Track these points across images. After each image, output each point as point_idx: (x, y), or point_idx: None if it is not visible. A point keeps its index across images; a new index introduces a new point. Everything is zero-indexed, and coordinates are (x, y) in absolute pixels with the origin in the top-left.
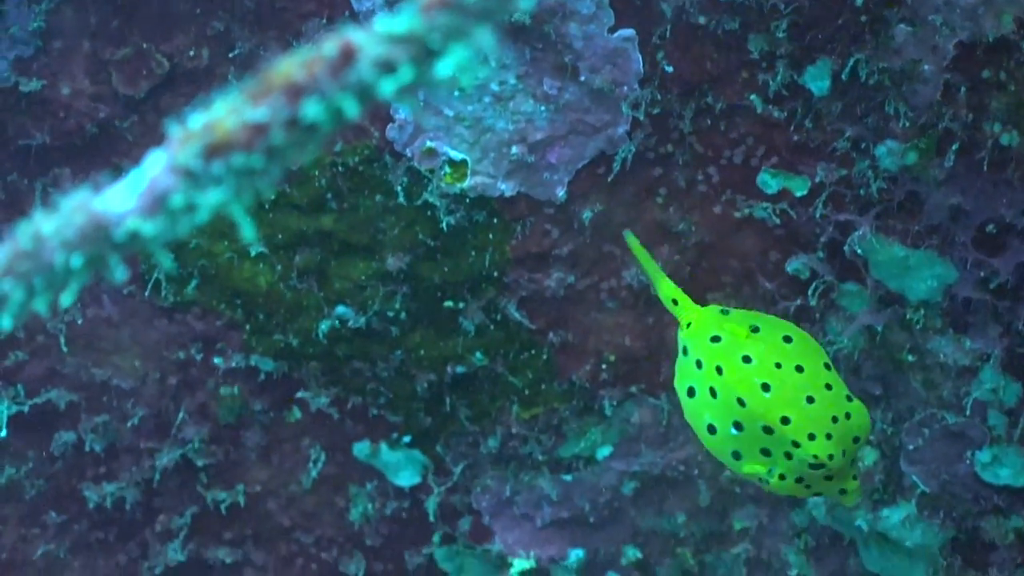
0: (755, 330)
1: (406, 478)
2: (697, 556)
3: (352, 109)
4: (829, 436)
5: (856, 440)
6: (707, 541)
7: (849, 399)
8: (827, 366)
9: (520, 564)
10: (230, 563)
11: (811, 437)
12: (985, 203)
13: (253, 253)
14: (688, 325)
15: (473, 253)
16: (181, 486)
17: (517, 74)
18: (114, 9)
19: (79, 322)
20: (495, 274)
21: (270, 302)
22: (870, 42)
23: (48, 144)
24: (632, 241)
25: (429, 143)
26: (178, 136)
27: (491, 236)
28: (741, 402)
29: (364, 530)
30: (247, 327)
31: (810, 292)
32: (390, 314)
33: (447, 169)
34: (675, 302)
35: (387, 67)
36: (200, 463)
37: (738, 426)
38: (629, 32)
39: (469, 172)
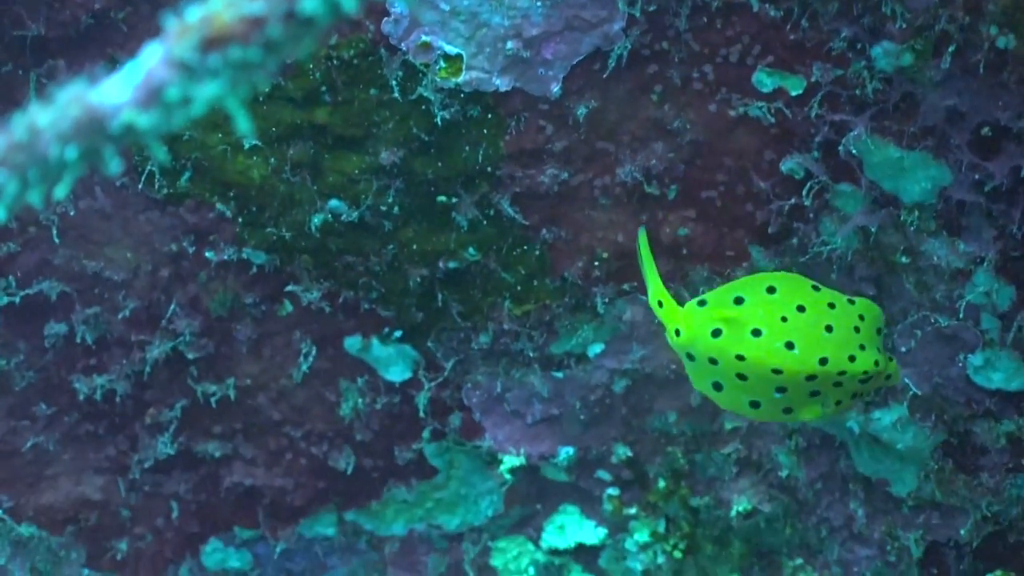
0: (739, 301)
1: (397, 373)
2: (687, 455)
3: (350, 2)
4: (862, 347)
5: (879, 331)
6: (697, 440)
7: (852, 302)
8: (815, 287)
9: (510, 461)
10: (219, 457)
11: (851, 359)
12: (981, 106)
13: (247, 146)
14: (677, 333)
15: (467, 148)
16: (171, 379)
17: None
18: None
19: (71, 213)
20: (488, 169)
21: (263, 195)
22: None
23: (43, 35)
24: (642, 239)
25: (424, 37)
26: (175, 29)
27: (485, 131)
28: (777, 371)
29: (354, 425)
30: (240, 220)
31: (804, 192)
32: (383, 208)
33: (442, 64)
34: (660, 304)
35: None
36: (191, 356)
37: (781, 390)
38: None
39: (464, 67)
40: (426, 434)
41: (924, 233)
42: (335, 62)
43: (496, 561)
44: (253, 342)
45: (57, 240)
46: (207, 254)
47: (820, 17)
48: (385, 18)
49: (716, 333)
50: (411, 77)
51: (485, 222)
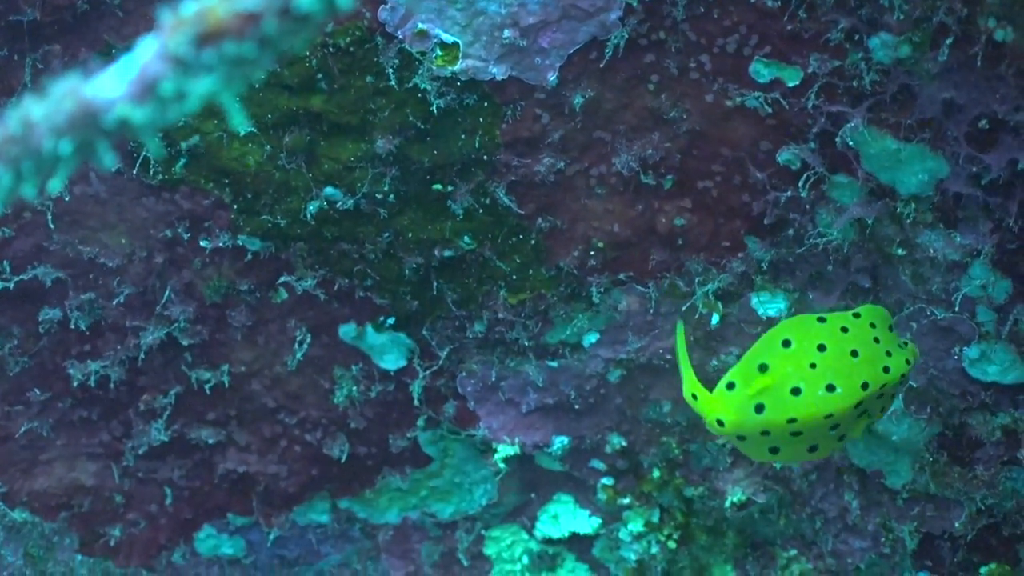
0: (764, 368)
1: (391, 361)
2: (682, 445)
3: None
4: (889, 353)
5: (891, 327)
6: (692, 430)
7: (857, 315)
8: (821, 319)
9: (504, 450)
10: (213, 443)
11: (886, 370)
12: (978, 98)
13: (242, 132)
14: (720, 423)
15: (463, 136)
16: (165, 365)
17: None
18: None
19: (67, 199)
20: (485, 158)
21: (258, 182)
22: None
23: (39, 20)
24: (680, 332)
25: (421, 25)
26: (170, 23)
27: (481, 120)
28: (829, 416)
29: (348, 412)
30: (235, 207)
31: (800, 183)
32: (378, 196)
33: (438, 51)
34: (695, 396)
35: None
36: (185, 342)
37: (835, 427)
38: None
39: (460, 55)
40: (420, 422)
41: (920, 225)
42: (331, 49)
43: (490, 550)
44: (248, 329)
45: (52, 225)
46: (202, 241)
47: (818, 7)
48: (381, 5)
49: (760, 408)
50: (407, 65)
51: (481, 211)
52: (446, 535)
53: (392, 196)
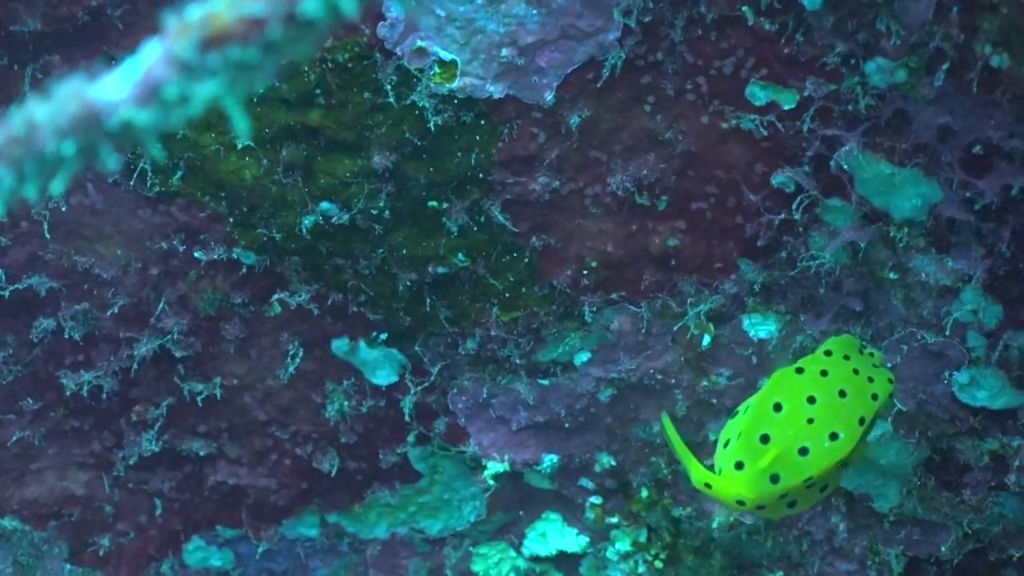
0: (766, 439)
1: (383, 376)
2: (671, 465)
3: (349, 5)
4: (871, 379)
5: (861, 350)
6: None
7: (828, 353)
8: (799, 371)
9: (494, 467)
10: (204, 456)
11: (874, 397)
12: (973, 124)
13: (240, 146)
14: (741, 503)
15: (459, 154)
16: (158, 377)
17: None
18: None
19: (63, 209)
20: (480, 176)
21: (255, 196)
22: None
23: (40, 31)
24: (667, 424)
25: (420, 42)
26: (175, 27)
27: (478, 138)
28: (842, 462)
29: (339, 427)
30: (231, 220)
31: (794, 206)
32: (374, 212)
33: (437, 69)
34: (708, 485)
35: None
36: (178, 354)
37: (844, 464)
38: None
39: (458, 73)
40: (411, 438)
41: (913, 250)
42: (330, 65)
43: (477, 567)
44: (241, 342)
45: (48, 235)
46: (197, 253)
47: (815, 31)
48: (381, 22)
49: (775, 479)
50: (405, 81)
51: (475, 228)
52: (434, 551)
53: (387, 212)
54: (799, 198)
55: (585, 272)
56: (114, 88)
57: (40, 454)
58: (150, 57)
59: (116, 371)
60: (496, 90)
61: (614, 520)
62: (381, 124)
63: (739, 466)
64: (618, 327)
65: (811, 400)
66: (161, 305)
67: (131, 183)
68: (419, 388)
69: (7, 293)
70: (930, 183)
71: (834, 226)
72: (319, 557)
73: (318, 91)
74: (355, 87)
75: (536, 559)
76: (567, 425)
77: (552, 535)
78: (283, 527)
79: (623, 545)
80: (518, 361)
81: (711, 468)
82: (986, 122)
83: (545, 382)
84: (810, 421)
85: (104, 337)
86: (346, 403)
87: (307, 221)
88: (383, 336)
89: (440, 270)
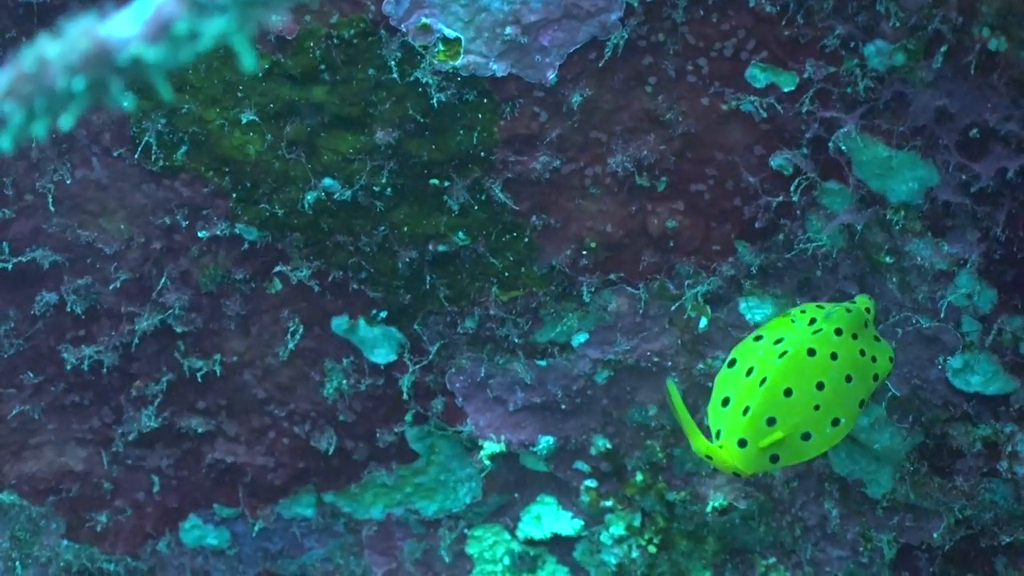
0: (772, 422)
1: (382, 355)
2: (666, 449)
3: None
4: (874, 359)
5: (866, 325)
6: (676, 434)
7: (839, 332)
8: (812, 352)
9: (490, 447)
10: (202, 432)
11: (875, 378)
12: (970, 107)
13: (244, 120)
14: (738, 475)
15: (461, 132)
16: (158, 352)
17: None
18: None
19: (68, 182)
20: (482, 154)
21: (258, 171)
22: None
23: (47, 2)
24: (672, 391)
25: (424, 19)
26: None
27: (480, 116)
28: (836, 442)
29: (337, 406)
30: (234, 195)
31: (792, 188)
32: (376, 189)
33: (440, 47)
34: (709, 457)
35: None
36: (179, 330)
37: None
38: None
39: (462, 51)
40: (408, 417)
41: (909, 233)
42: (335, 41)
43: (472, 549)
44: (241, 319)
45: (52, 208)
46: (200, 232)
47: (815, 13)
48: None
49: (775, 458)
50: (409, 58)
51: (476, 207)
52: (429, 533)
53: (389, 189)
54: (797, 180)
55: (584, 252)
56: (125, 25)
57: (39, 429)
58: None
59: (117, 346)
60: (499, 68)
61: (608, 504)
62: (384, 101)
63: (742, 443)
64: (616, 308)
65: (820, 386)
66: (163, 280)
67: (135, 157)
68: (417, 367)
69: (10, 266)
70: (927, 166)
71: (831, 209)
72: (315, 537)
73: (323, 67)
74: (359, 63)
75: (531, 542)
76: (563, 407)
77: (547, 518)
78: (279, 506)
79: (617, 529)
80: (516, 340)
81: (708, 432)
82: (983, 105)
83: (543, 363)
84: (817, 408)
85: (106, 312)
86: (344, 382)
87: (309, 197)
88: (383, 314)
89: (440, 248)
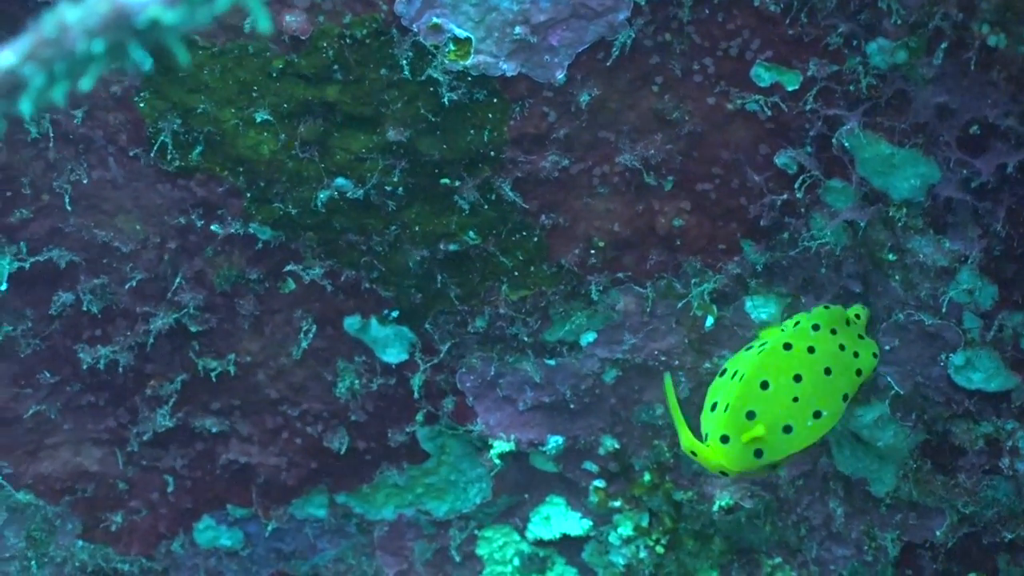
0: (752, 415)
1: (394, 355)
2: (673, 448)
3: None
4: (856, 354)
5: (848, 322)
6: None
7: (816, 327)
8: (787, 346)
9: (500, 446)
10: (216, 432)
11: (859, 373)
12: (970, 103)
13: (258, 120)
14: (724, 473)
15: (472, 131)
16: (173, 352)
17: None
18: None
19: (84, 182)
20: (492, 153)
21: (272, 170)
22: None
23: None
24: (669, 388)
25: (435, 19)
26: None
27: (490, 115)
28: (825, 440)
29: (350, 405)
30: (248, 195)
31: (796, 186)
32: (388, 188)
33: (451, 46)
34: (694, 453)
35: None
36: (194, 329)
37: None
38: None
39: (472, 50)
40: (420, 417)
41: (911, 231)
42: (348, 40)
43: (482, 550)
44: (255, 318)
45: (69, 208)
46: (214, 228)
47: (818, 12)
48: None
49: (759, 453)
50: (421, 58)
51: (486, 206)
52: (439, 533)
53: (401, 189)
54: (801, 178)
55: (592, 251)
56: None
57: (55, 429)
58: None
59: (132, 346)
60: (509, 68)
61: (617, 504)
62: (396, 100)
63: (724, 439)
64: (623, 307)
65: (797, 378)
66: (178, 280)
67: (151, 157)
68: (428, 366)
69: (27, 265)
70: (929, 163)
71: (835, 207)
72: (327, 538)
73: (336, 67)
74: (372, 63)
75: (540, 543)
76: (572, 406)
77: (556, 518)
78: (292, 507)
79: (625, 529)
80: (526, 339)
81: (699, 433)
82: (983, 101)
83: (552, 362)
84: (795, 400)
85: (121, 312)
86: (356, 381)
87: (322, 196)
88: (394, 314)
89: (451, 247)
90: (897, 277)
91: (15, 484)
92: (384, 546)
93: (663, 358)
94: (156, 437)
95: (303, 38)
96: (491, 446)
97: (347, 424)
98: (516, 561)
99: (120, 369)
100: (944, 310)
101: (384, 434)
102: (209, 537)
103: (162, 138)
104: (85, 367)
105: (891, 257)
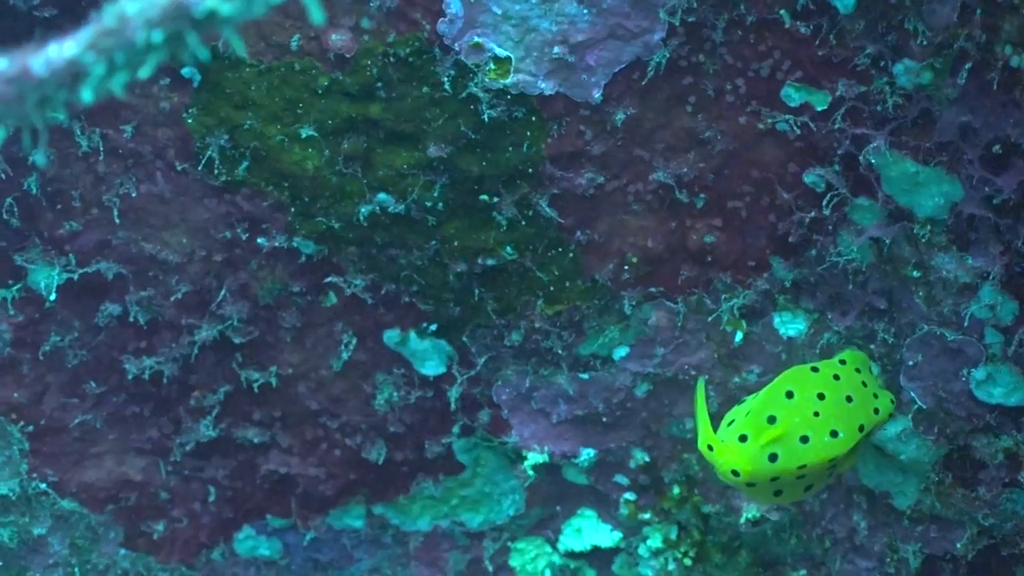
0: (772, 420)
1: (432, 367)
2: (702, 462)
3: None
4: (876, 395)
5: (871, 370)
6: None
7: (843, 361)
8: (814, 369)
9: (534, 457)
10: (258, 443)
11: (876, 412)
12: (993, 122)
13: (303, 136)
14: (735, 473)
15: (510, 149)
16: (217, 364)
17: None
18: None
19: (133, 196)
20: (529, 170)
21: (316, 185)
22: None
23: None
24: (700, 388)
25: (477, 38)
26: None
27: (528, 133)
28: (832, 461)
29: (388, 417)
30: (292, 209)
31: (824, 203)
32: (428, 203)
33: (492, 65)
34: (710, 448)
35: None
36: (237, 341)
37: (833, 467)
38: None
39: (512, 69)
40: (456, 429)
41: (935, 248)
42: (391, 59)
43: (514, 561)
44: (297, 331)
45: (118, 221)
46: (259, 241)
47: (847, 34)
48: (440, 18)
49: (773, 458)
50: (462, 76)
51: (523, 222)
52: (473, 544)
53: (441, 204)
54: (829, 196)
55: (626, 267)
56: None
57: (100, 438)
58: None
59: (177, 357)
60: (547, 87)
61: (646, 516)
62: (438, 117)
63: (743, 439)
64: (655, 322)
65: (820, 396)
66: (222, 293)
67: (198, 171)
68: (465, 379)
69: (77, 275)
70: (952, 181)
71: (861, 225)
72: (364, 548)
73: (379, 84)
74: (414, 81)
75: (571, 554)
76: (604, 419)
77: (587, 530)
78: (330, 517)
79: (655, 542)
80: (560, 353)
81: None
82: (1005, 121)
83: (585, 376)
84: (816, 414)
85: (166, 324)
86: (395, 394)
87: (364, 210)
88: (433, 327)
89: (489, 262)
90: (921, 293)
91: (60, 492)
92: (419, 557)
93: (693, 372)
94: (198, 447)
95: (348, 56)
96: (525, 457)
97: (385, 436)
98: (548, 573)
99: (164, 380)
100: (966, 325)
101: (421, 446)
102: (249, 546)
103: (209, 153)
104: (130, 377)
105: (915, 274)
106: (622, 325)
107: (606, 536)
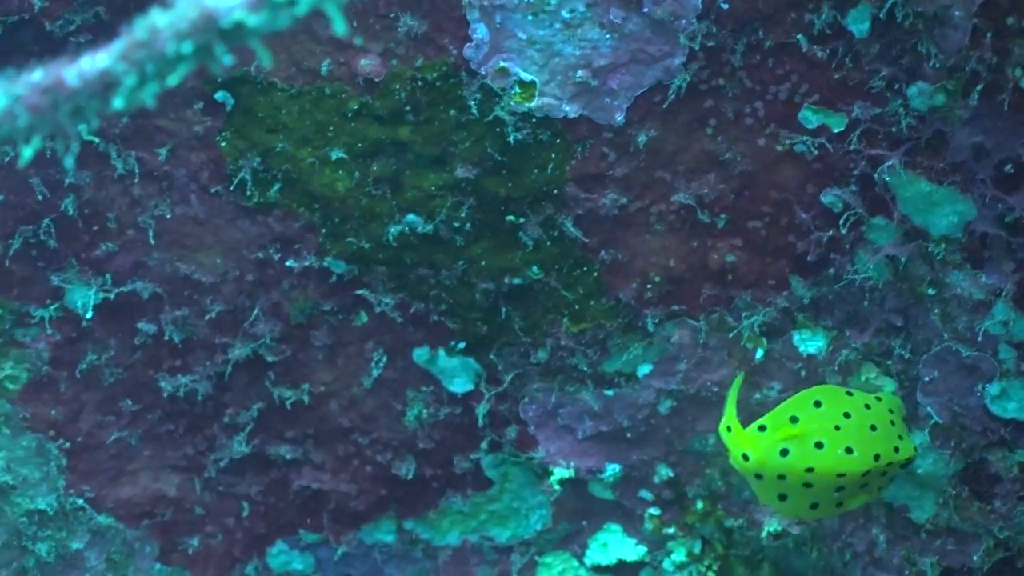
0: (795, 420)
1: (460, 385)
2: (724, 477)
3: None
4: (901, 437)
5: (904, 419)
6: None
7: (879, 399)
8: (849, 393)
9: (560, 472)
10: (290, 460)
11: (896, 450)
12: (1004, 142)
13: (334, 158)
14: (745, 457)
15: (536, 170)
16: (250, 382)
17: (586, 2)
18: None
19: (167, 217)
20: (554, 191)
21: (346, 207)
22: None
23: None
24: (739, 379)
25: (502, 63)
26: None
27: (553, 155)
28: (840, 475)
29: (418, 434)
30: (323, 230)
31: (841, 223)
32: (456, 224)
33: (517, 89)
34: (729, 429)
35: None
36: (270, 359)
37: (840, 489)
38: None
39: (537, 93)
40: (484, 445)
41: (950, 265)
42: (419, 83)
43: (542, 575)
44: (329, 349)
45: (153, 242)
46: (290, 262)
47: (862, 57)
48: (467, 43)
49: (784, 452)
50: (488, 99)
51: (549, 242)
52: (501, 559)
53: (468, 225)
54: (846, 215)
55: (649, 286)
56: None
57: (136, 455)
58: None
59: (211, 375)
60: (571, 110)
61: (671, 531)
62: (465, 140)
63: (762, 429)
64: (678, 340)
65: (846, 415)
66: (255, 312)
67: (231, 193)
68: (492, 395)
69: (113, 295)
70: (966, 201)
71: (877, 243)
72: (394, 563)
73: (408, 108)
74: (442, 104)
75: (597, 568)
76: (629, 435)
77: (613, 545)
78: (361, 532)
79: (679, 555)
80: (585, 370)
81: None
82: (1016, 141)
83: (609, 392)
84: (836, 428)
85: (201, 343)
86: (424, 411)
87: (393, 231)
88: (461, 345)
89: (515, 281)
90: (936, 310)
91: (97, 508)
92: (448, 571)
93: (715, 388)
94: (232, 464)
95: (377, 80)
96: (551, 473)
97: (415, 452)
98: None
99: (199, 398)
100: (980, 341)
101: (450, 462)
102: (282, 561)
103: (242, 175)
104: (165, 395)
105: (930, 291)
106: (645, 343)
107: (631, 550)
